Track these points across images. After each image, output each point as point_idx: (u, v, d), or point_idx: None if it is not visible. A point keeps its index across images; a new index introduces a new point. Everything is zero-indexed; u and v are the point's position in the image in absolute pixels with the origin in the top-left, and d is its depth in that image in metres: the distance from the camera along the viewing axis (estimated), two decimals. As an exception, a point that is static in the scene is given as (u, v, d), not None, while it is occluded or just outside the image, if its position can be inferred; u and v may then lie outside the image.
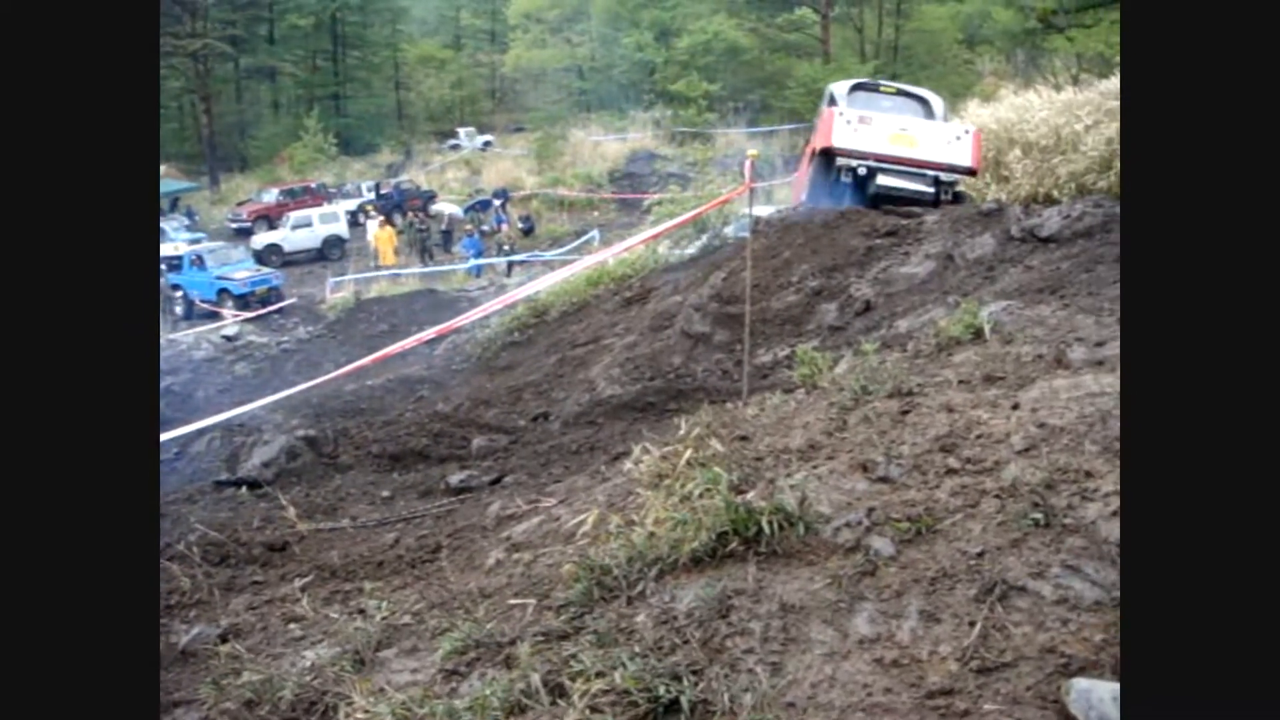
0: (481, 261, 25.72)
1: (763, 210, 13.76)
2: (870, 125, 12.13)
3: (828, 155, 12.45)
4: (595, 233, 27.50)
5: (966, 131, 12.42)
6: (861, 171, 12.06)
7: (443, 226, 31.35)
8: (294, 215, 32.38)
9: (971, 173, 12.41)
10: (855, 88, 13.76)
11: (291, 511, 5.62)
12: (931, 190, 11.97)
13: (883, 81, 14.78)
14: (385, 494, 6.52)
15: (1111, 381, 4.19)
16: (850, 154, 12.16)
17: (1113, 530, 2.94)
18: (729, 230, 12.64)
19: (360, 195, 37.31)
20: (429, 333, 8.22)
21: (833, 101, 13.29)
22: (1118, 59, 19.07)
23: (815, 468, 3.72)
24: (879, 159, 12.06)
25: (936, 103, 13.54)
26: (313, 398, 9.27)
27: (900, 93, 13.90)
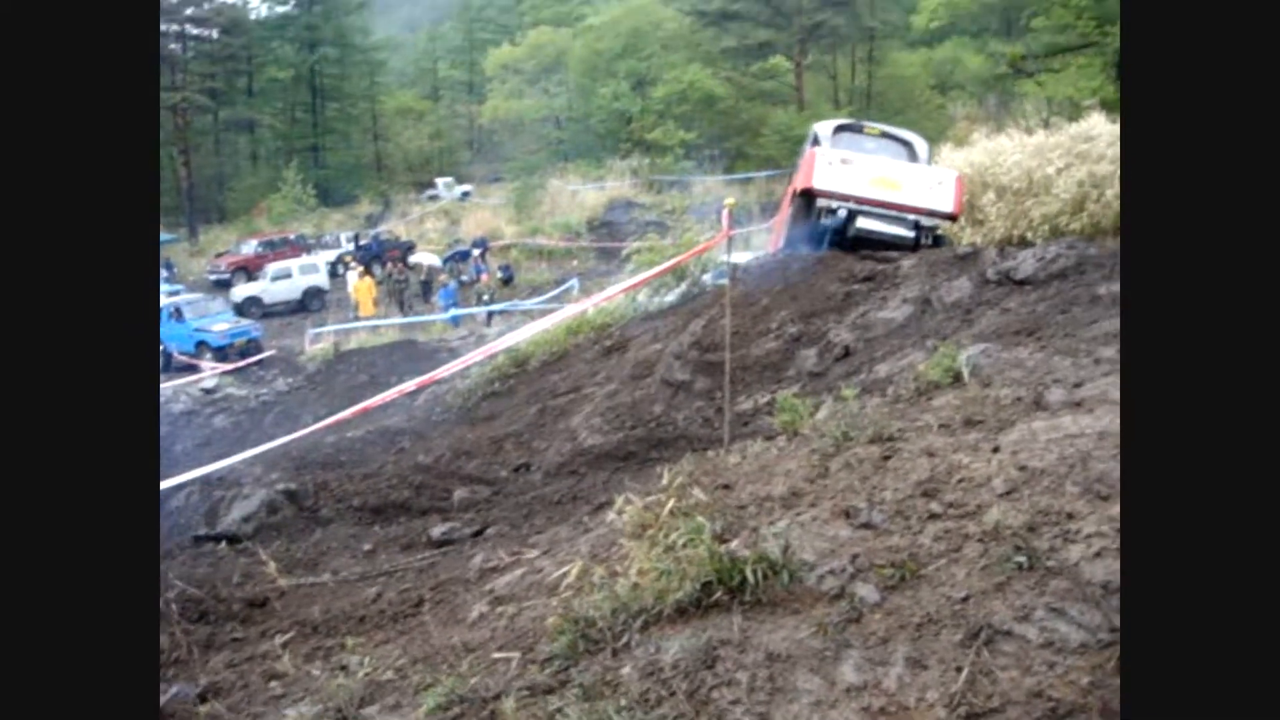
0: (460, 311, 25.71)
1: (741, 257, 13.75)
2: (852, 167, 12.01)
3: (808, 196, 12.33)
4: (574, 281, 27.59)
5: (949, 176, 12.33)
6: (841, 214, 11.94)
7: (422, 277, 31.40)
8: (273, 267, 32.34)
9: (953, 218, 12.30)
10: (840, 128, 13.67)
11: (272, 566, 5.56)
12: (911, 234, 11.88)
13: (867, 123, 14.66)
14: (367, 547, 6.46)
15: (1090, 422, 4.22)
16: (831, 195, 12.03)
17: (1096, 572, 2.94)
18: (707, 278, 12.65)
19: (339, 246, 37.35)
20: (409, 384, 8.19)
21: (816, 141, 13.20)
22: (1086, 102, 19.38)
23: (798, 515, 3.72)
24: (860, 201, 11.94)
25: (921, 145, 13.47)
26: (292, 451, 9.21)
27: (884, 135, 13.77)
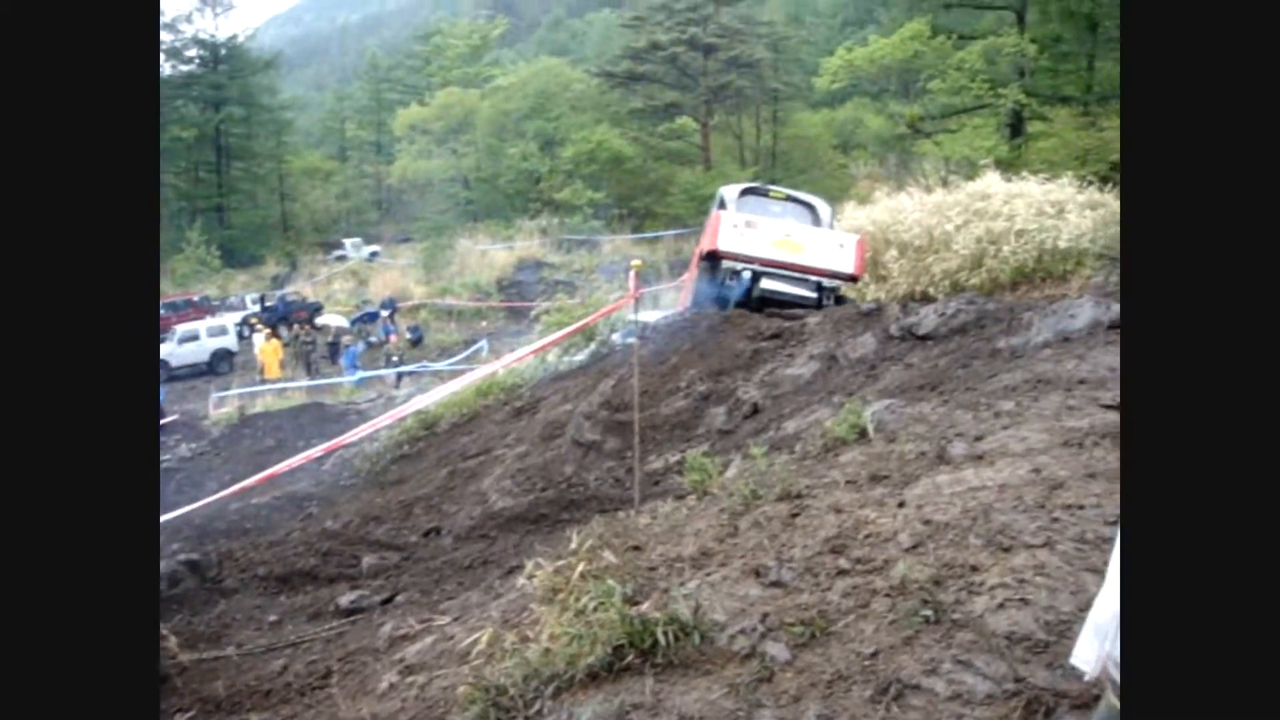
0: (365, 374, 25.38)
1: (650, 316, 13.93)
2: (756, 230, 12.36)
3: (714, 258, 12.63)
4: (484, 342, 27.47)
5: (850, 239, 12.72)
6: (746, 275, 12.24)
7: (329, 339, 30.98)
8: (181, 329, 31.58)
9: (855, 279, 12.69)
10: (745, 191, 14.07)
11: (173, 641, 5.40)
12: (814, 295, 12.24)
13: (772, 187, 15.13)
14: (272, 618, 6.30)
15: (991, 475, 4.32)
16: (736, 257, 12.36)
17: (1000, 623, 3.00)
18: (617, 337, 12.74)
19: (244, 308, 36.69)
20: (316, 450, 8.06)
21: (723, 205, 13.52)
22: (982, 161, 19.94)
23: (708, 575, 3.74)
24: (764, 263, 12.27)
25: (823, 208, 13.90)
26: (195, 519, 8.98)
27: (788, 198, 14.20)
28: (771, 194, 14.29)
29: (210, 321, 33.14)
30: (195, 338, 31.12)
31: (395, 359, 26.66)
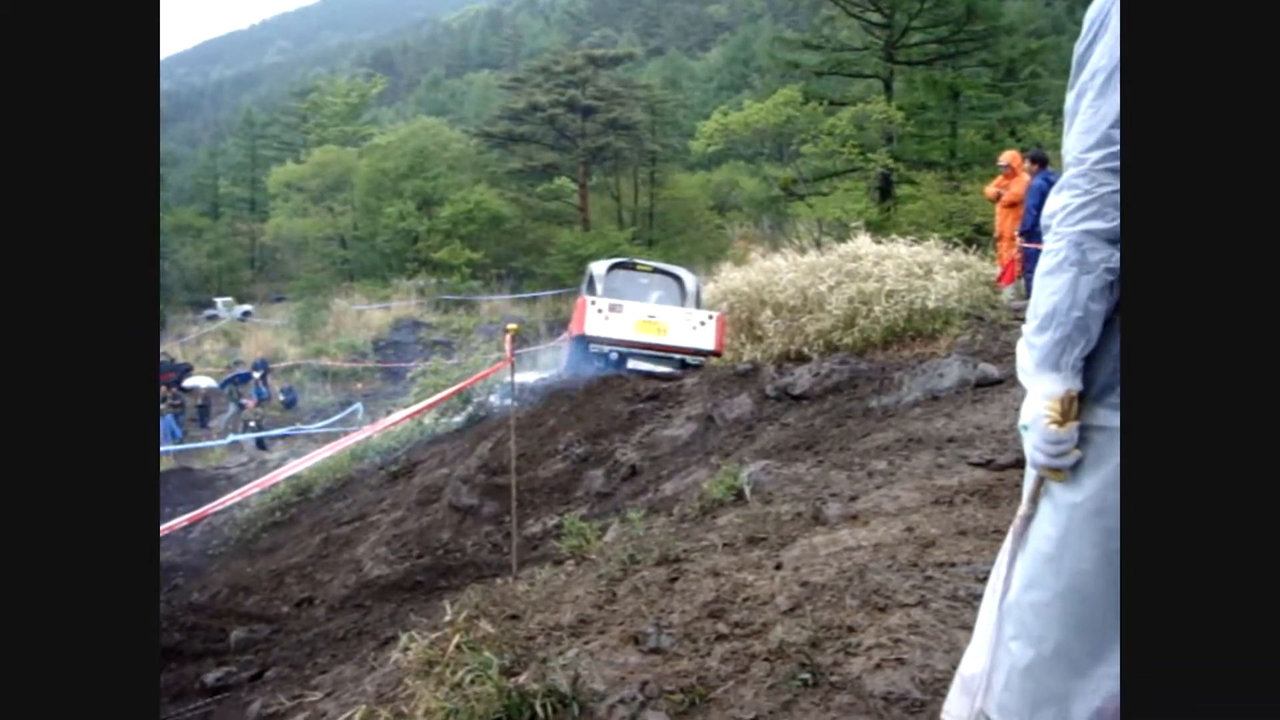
0: (182, 447, 24.46)
1: (528, 377, 14.00)
2: (621, 314, 13.01)
3: (584, 340, 13.22)
4: (359, 405, 26.98)
5: (710, 317, 13.37)
6: (614, 356, 12.93)
7: (199, 401, 30.06)
8: None
9: (716, 354, 13.32)
10: (614, 266, 14.56)
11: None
12: (679, 371, 12.80)
13: (640, 260, 15.80)
14: (132, 698, 6.01)
15: (866, 535, 4.38)
16: (602, 341, 13.00)
17: (877, 684, 3.02)
18: (494, 399, 12.76)
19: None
20: (183, 519, 7.76)
21: (591, 283, 14.06)
22: (853, 223, 20.46)
23: (587, 643, 3.69)
24: (629, 345, 12.96)
25: (689, 280, 14.52)
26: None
27: (656, 270, 14.86)
28: (639, 267, 14.92)
29: None
30: None
31: (252, 424, 25.94)
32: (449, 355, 20.72)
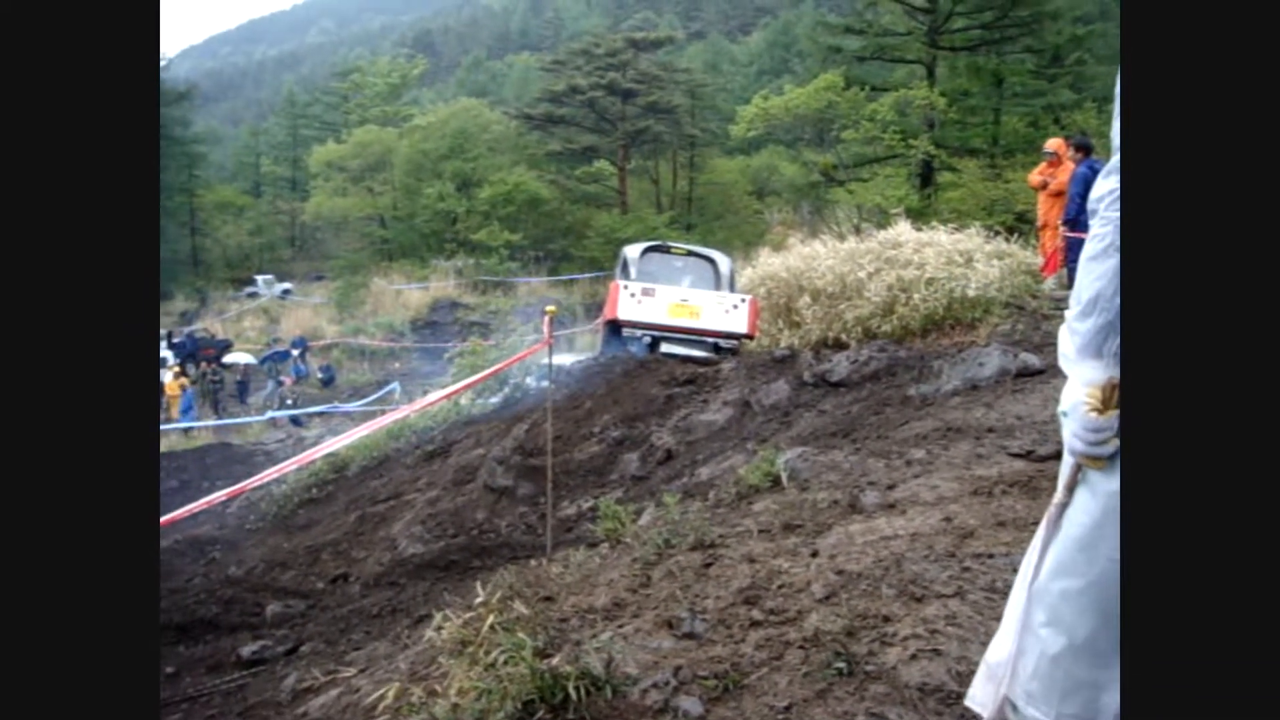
0: (221, 422, 24.70)
1: (565, 359, 14.04)
2: (653, 298, 13.05)
3: (616, 325, 13.31)
4: (396, 384, 27.15)
5: (743, 300, 13.35)
6: (646, 339, 13.02)
7: (238, 377, 30.37)
8: None
9: (749, 337, 13.32)
10: (648, 250, 14.60)
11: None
12: (712, 355, 12.87)
13: (674, 244, 15.79)
14: (169, 670, 6.06)
15: (903, 524, 4.34)
16: (635, 325, 13.08)
17: (913, 674, 3.00)
18: (531, 381, 12.79)
19: (150, 344, 35.81)
20: (221, 494, 7.83)
21: (625, 266, 14.14)
22: (893, 210, 20.31)
23: (621, 627, 3.68)
24: (661, 329, 13.03)
25: (723, 262, 14.51)
26: (92, 565, 8.66)
27: (690, 253, 14.84)
28: (674, 250, 14.92)
29: None
30: None
31: (290, 402, 26.16)
32: (486, 336, 20.81)
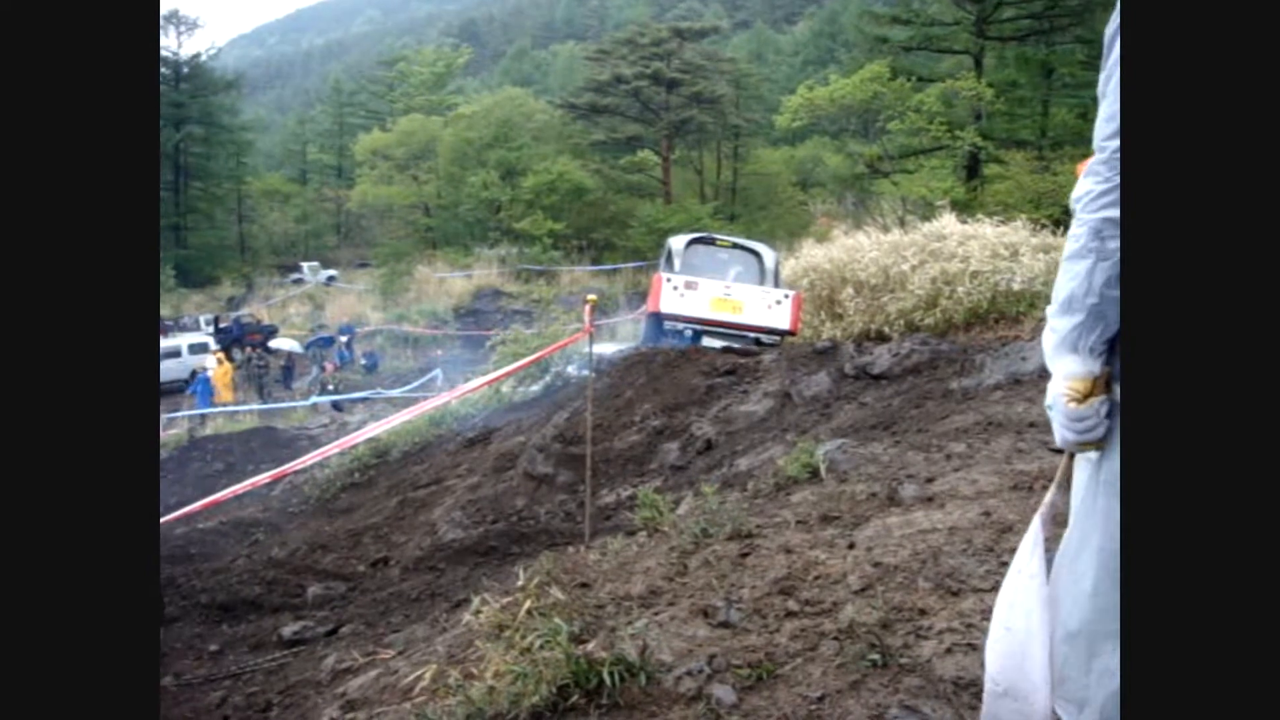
0: (265, 406, 24.92)
1: (606, 348, 14.06)
2: (696, 291, 13.00)
3: (658, 317, 13.28)
4: (438, 371, 27.33)
5: (786, 296, 13.23)
6: (689, 333, 12.98)
7: (283, 363, 30.69)
8: (164, 344, 31.01)
9: (791, 334, 13.18)
10: (692, 242, 14.56)
11: (109, 671, 5.26)
12: (754, 350, 12.62)
13: (719, 236, 15.79)
14: (213, 648, 6.17)
15: (941, 517, 4.32)
16: (677, 319, 13.04)
17: (947, 668, 2.99)
18: (572, 369, 12.83)
19: (198, 328, 36.28)
20: (265, 476, 7.94)
21: (670, 258, 14.08)
22: (938, 202, 20.17)
23: (656, 614, 3.70)
24: (704, 323, 12.98)
25: (768, 255, 14.38)
26: (138, 544, 8.80)
27: (735, 246, 14.74)
28: (719, 243, 14.86)
29: (193, 337, 32.64)
30: (177, 354, 30.57)
31: (331, 388, 26.39)
32: (529, 324, 20.89)
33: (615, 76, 48.09)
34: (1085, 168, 2.01)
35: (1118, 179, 1.89)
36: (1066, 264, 2.01)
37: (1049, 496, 2.23)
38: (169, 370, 29.42)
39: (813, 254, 16.84)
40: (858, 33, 35.58)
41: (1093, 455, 2.07)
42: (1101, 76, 2.02)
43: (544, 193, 44.22)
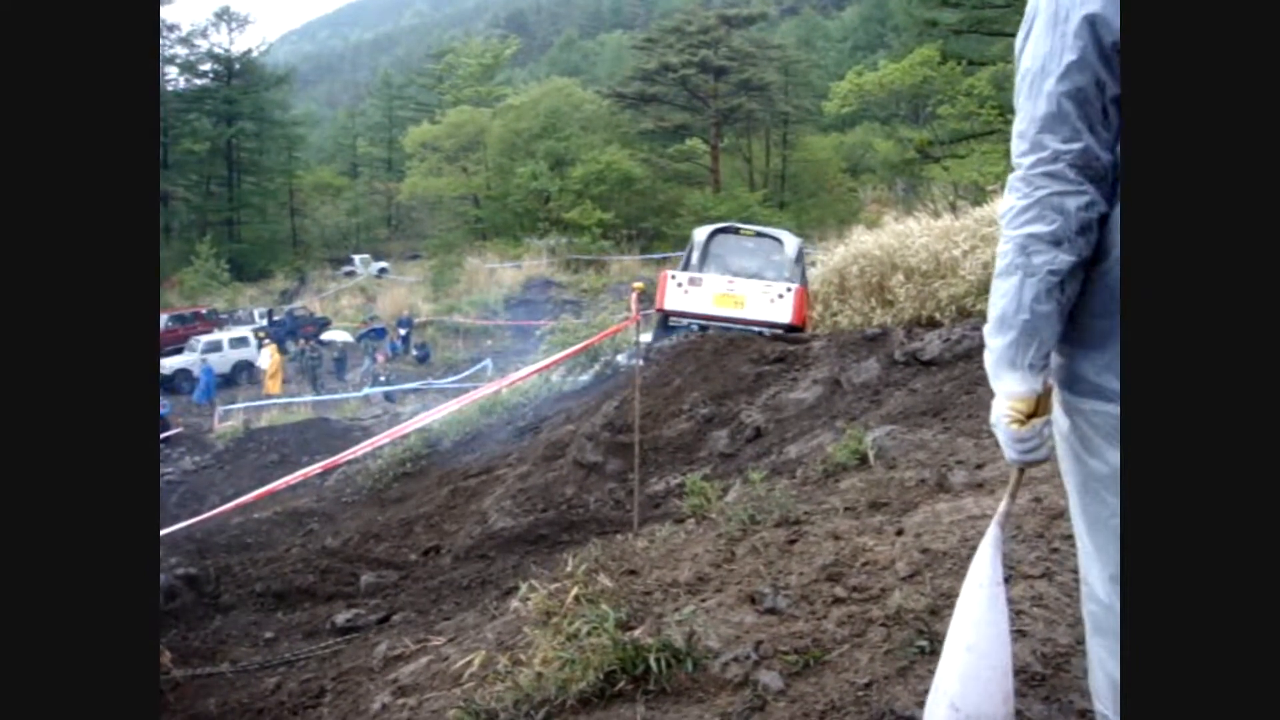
0: (319, 398, 25.21)
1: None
2: (700, 287, 13.15)
3: (664, 314, 13.48)
4: (488, 361, 27.49)
5: (789, 289, 13.14)
6: (694, 327, 13.05)
7: (335, 355, 31.00)
8: (204, 339, 31.45)
9: (794, 328, 13.00)
10: (716, 232, 14.68)
11: (167, 656, 5.37)
12: (804, 337, 12.66)
13: (742, 225, 15.89)
14: (268, 635, 6.27)
15: (990, 504, 4.28)
16: (681, 315, 13.21)
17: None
18: (621, 358, 12.85)
19: (252, 322, 36.73)
20: (317, 467, 8.04)
21: (690, 250, 14.33)
22: (990, 187, 19.95)
23: (703, 601, 3.71)
24: (706, 319, 13.05)
25: (790, 242, 14.47)
26: (196, 533, 8.97)
27: (759, 234, 14.85)
28: (742, 231, 14.93)
29: (233, 332, 33.07)
30: (218, 348, 30.98)
31: (383, 379, 26.63)
32: (578, 314, 20.94)
33: (663, 65, 48.07)
34: (1007, 184, 2.00)
35: (1036, 194, 1.88)
36: (996, 281, 2.00)
37: (1003, 506, 2.23)
38: (214, 364, 29.75)
39: (862, 240, 16.69)
40: (907, 17, 35.29)
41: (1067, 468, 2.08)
42: (1018, 40, 2.01)
43: (593, 182, 44.31)
